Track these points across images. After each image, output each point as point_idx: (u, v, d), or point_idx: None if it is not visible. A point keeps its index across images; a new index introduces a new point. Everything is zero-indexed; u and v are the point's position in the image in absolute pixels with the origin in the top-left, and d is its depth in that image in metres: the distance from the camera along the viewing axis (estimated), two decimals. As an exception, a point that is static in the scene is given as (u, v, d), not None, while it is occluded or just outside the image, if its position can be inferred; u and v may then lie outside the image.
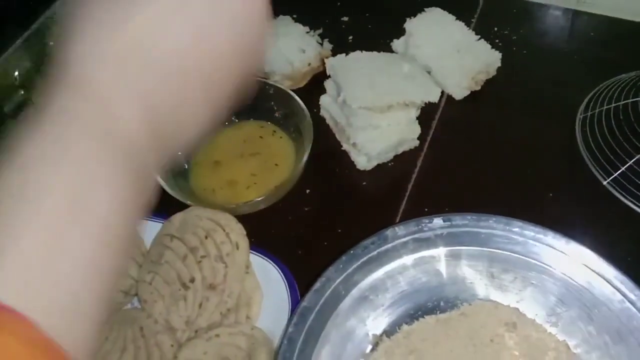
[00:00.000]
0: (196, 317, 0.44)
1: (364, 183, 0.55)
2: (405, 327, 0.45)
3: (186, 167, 0.55)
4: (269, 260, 0.46)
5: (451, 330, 0.44)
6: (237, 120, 0.56)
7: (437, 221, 0.44)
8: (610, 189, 0.51)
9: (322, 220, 0.53)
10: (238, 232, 0.45)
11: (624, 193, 0.50)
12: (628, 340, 0.39)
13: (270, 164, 0.54)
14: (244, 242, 0.45)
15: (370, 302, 0.44)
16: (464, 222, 0.44)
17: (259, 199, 0.49)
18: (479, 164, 0.56)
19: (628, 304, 0.40)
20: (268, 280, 0.46)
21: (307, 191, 0.54)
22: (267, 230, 0.52)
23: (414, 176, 0.55)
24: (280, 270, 0.46)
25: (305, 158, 0.50)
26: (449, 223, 0.44)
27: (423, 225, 0.44)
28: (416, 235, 0.45)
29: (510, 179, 0.55)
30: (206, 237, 0.45)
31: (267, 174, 0.53)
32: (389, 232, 0.44)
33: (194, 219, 0.47)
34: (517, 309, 0.44)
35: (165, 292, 0.45)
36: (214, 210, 0.47)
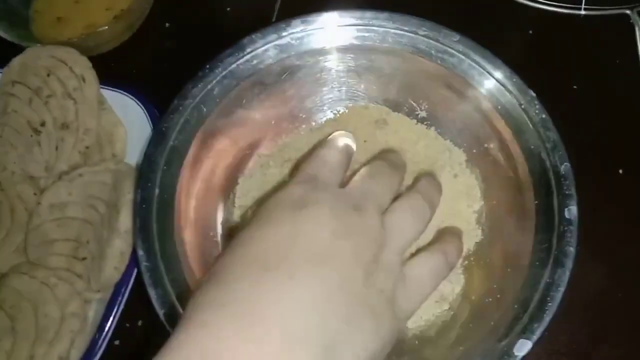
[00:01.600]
0: (55, 161, 0.42)
1: (228, 9, 0.51)
2: (280, 140, 0.44)
3: (26, 14, 0.49)
4: (127, 94, 0.43)
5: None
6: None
7: (296, 23, 0.42)
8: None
9: (185, 54, 0.49)
10: (82, 65, 0.41)
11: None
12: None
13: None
14: (90, 75, 0.41)
15: (237, 116, 0.42)
16: (321, 22, 0.42)
17: (104, 28, 0.44)
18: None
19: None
20: (129, 115, 0.43)
21: (167, 25, 0.50)
22: (125, 70, 0.48)
23: (281, -7, 0.52)
24: (139, 103, 0.43)
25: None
26: (305, 25, 0.42)
27: (281, 29, 0.42)
28: (277, 42, 0.42)
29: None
30: (48, 75, 0.41)
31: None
32: (245, 40, 0.42)
33: (34, 60, 0.42)
34: (386, 108, 0.44)
35: (18, 141, 0.42)
36: (54, 46, 0.42)
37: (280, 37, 0.42)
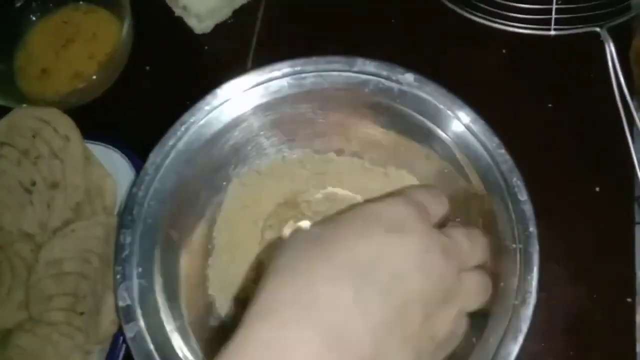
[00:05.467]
0: (48, 218, 0.43)
1: (206, 48, 0.52)
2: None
3: (8, 70, 0.50)
4: (111, 147, 0.45)
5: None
6: (51, 5, 0.52)
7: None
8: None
9: (167, 96, 0.50)
10: (65, 125, 0.43)
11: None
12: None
13: (90, 39, 0.50)
14: (74, 133, 0.43)
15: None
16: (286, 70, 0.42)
17: (82, 86, 0.46)
18: (323, 6, 0.53)
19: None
20: (116, 167, 0.45)
21: (147, 68, 0.51)
22: (109, 119, 0.49)
23: (257, 29, 0.52)
24: (123, 154, 0.45)
25: (126, 26, 0.47)
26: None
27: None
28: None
29: (359, 18, 0.52)
30: (34, 137, 0.43)
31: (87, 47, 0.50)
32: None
33: (19, 121, 0.44)
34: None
35: (11, 201, 0.44)
36: (38, 107, 0.44)
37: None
